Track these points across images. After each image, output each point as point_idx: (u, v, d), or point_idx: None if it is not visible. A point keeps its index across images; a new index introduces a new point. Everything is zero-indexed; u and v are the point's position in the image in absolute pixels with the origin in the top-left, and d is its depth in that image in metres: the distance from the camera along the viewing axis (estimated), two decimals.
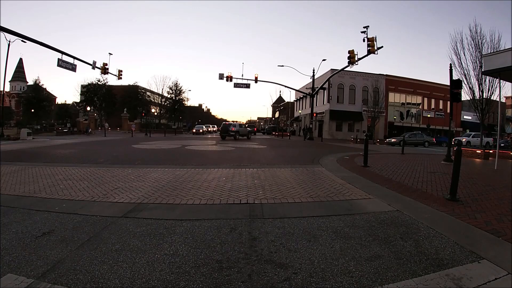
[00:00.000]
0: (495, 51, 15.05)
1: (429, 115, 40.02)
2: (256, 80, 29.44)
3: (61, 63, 19.99)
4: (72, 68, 20.95)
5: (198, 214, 3.83)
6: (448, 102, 41.88)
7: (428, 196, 4.96)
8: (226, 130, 27.55)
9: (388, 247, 2.87)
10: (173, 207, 4.10)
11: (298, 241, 2.92)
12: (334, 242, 2.91)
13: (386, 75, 39.73)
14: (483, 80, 18.58)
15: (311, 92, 31.85)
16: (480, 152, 13.75)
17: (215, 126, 59.45)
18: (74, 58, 21.06)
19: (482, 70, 12.75)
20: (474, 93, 19.23)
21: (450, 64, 12.36)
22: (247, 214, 3.82)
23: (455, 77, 13.08)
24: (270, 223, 3.46)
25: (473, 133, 29.13)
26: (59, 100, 72.04)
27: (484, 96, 18.87)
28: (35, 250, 2.70)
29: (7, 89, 65.14)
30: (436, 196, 4.97)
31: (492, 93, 18.70)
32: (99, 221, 3.54)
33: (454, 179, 4.76)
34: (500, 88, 11.11)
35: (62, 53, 19.94)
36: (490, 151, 13.86)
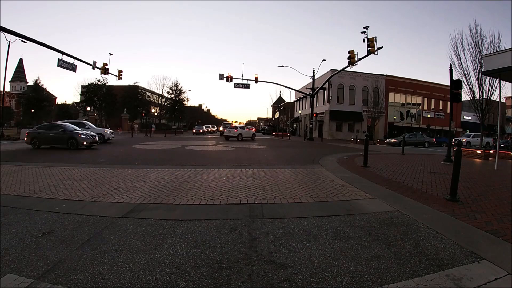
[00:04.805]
0: (495, 51, 15.05)
1: (429, 116, 40.03)
2: (256, 81, 29.44)
3: (61, 63, 20.00)
4: (72, 68, 20.96)
5: (198, 214, 3.83)
6: (448, 103, 41.85)
7: (428, 197, 4.96)
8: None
9: (388, 247, 2.87)
10: (173, 208, 4.10)
11: (298, 241, 2.91)
12: (334, 243, 2.91)
13: (386, 75, 39.73)
14: (483, 80, 18.58)
15: (311, 92, 31.85)
16: (480, 152, 13.76)
17: (215, 126, 59.42)
18: (74, 58, 21.07)
19: (482, 71, 12.74)
20: (474, 94, 19.23)
21: (450, 65, 12.36)
22: (247, 214, 3.81)
23: (455, 78, 13.07)
24: (270, 223, 3.46)
25: (473, 133, 29.10)
26: (59, 100, 72.18)
27: (484, 97, 18.86)
28: (35, 250, 2.70)
29: (7, 89, 65.19)
30: (436, 197, 4.97)
31: (492, 93, 18.71)
32: (99, 221, 3.54)
33: (454, 179, 4.75)
34: (500, 88, 11.12)
35: (62, 53, 19.95)
36: (490, 152, 13.87)
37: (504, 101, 36.27)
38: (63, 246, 2.86)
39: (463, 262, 2.60)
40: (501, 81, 10.42)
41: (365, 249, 2.80)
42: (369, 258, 2.61)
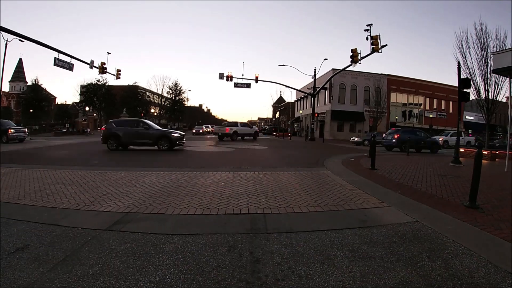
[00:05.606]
0: (501, 49, 14.55)
1: (431, 115, 39.63)
2: (256, 80, 29.04)
3: (58, 62, 19.67)
4: (69, 67, 20.60)
5: (192, 227, 3.37)
6: (451, 102, 41.73)
7: (446, 203, 4.56)
8: None
9: (415, 269, 2.44)
10: (164, 218, 3.65)
11: (310, 263, 2.45)
12: (352, 265, 2.45)
13: (388, 75, 39.33)
14: (489, 79, 18.12)
15: (312, 92, 31.42)
16: (487, 153, 13.28)
17: (214, 126, 59.24)
18: (71, 57, 20.72)
19: (492, 69, 12.27)
20: (479, 93, 18.77)
21: (458, 62, 11.92)
22: (248, 227, 3.35)
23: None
24: (275, 239, 2.99)
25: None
26: (59, 101, 71.74)
27: (490, 96, 18.40)
28: (3, 270, 2.33)
29: (7, 89, 64.78)
30: (454, 203, 4.57)
31: (498, 92, 18.28)
32: (80, 235, 3.11)
33: (473, 185, 4.37)
34: (511, 86, 10.64)
35: (59, 52, 19.60)
36: (497, 152, 13.41)
37: None
38: (35, 266, 2.45)
39: (500, 285, 2.24)
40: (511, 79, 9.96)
41: (389, 272, 2.35)
42: (395, 285, 2.17)
